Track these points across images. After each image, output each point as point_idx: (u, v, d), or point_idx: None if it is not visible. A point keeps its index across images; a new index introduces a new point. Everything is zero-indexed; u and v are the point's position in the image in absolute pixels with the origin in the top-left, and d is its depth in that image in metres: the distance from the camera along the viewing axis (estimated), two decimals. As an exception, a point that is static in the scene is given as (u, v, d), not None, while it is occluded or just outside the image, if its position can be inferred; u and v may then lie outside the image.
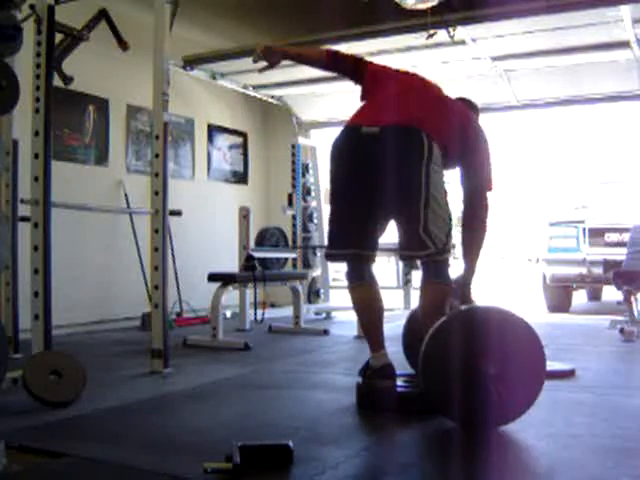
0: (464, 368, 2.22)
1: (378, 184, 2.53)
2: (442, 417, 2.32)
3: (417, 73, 2.85)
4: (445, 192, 2.59)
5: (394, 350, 2.75)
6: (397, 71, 2.83)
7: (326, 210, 7.09)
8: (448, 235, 2.55)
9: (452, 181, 2.74)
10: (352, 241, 2.63)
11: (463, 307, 2.55)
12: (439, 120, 2.60)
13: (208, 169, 6.95)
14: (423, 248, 2.49)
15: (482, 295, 2.66)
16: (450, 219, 2.59)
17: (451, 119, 2.66)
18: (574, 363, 3.36)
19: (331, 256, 2.72)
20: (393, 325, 3.35)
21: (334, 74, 2.98)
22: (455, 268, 2.66)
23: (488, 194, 2.68)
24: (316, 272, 7.04)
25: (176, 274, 5.85)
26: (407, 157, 2.50)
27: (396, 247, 2.78)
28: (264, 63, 2.87)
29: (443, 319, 2.38)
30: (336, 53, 2.86)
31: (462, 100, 2.92)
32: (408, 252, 2.66)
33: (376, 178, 2.53)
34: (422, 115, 2.57)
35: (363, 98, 2.79)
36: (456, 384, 2.22)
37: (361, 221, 2.61)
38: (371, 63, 2.86)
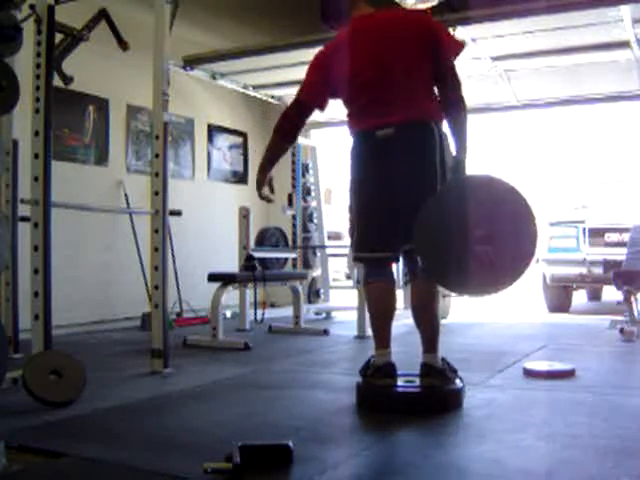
0: (457, 234, 2.28)
1: (399, 184, 2.58)
2: (453, 415, 2.31)
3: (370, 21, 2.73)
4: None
5: (394, 350, 2.75)
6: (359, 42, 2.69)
7: (326, 210, 7.10)
8: None
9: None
10: (383, 244, 2.65)
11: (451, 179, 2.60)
12: (429, 69, 2.62)
13: (208, 169, 6.95)
14: None
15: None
16: None
17: (429, 50, 2.62)
18: (574, 363, 3.35)
19: (360, 259, 2.76)
20: (393, 325, 3.35)
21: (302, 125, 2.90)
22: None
23: (457, 68, 2.66)
24: (316, 272, 7.04)
25: (176, 274, 5.85)
26: (423, 155, 2.57)
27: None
28: (267, 190, 2.92)
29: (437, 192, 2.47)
30: (280, 126, 2.80)
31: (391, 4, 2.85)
32: None
33: (398, 180, 2.58)
34: (423, 93, 2.62)
35: (337, 97, 2.77)
36: (449, 249, 2.29)
37: (390, 223, 2.62)
38: (301, 88, 2.78)
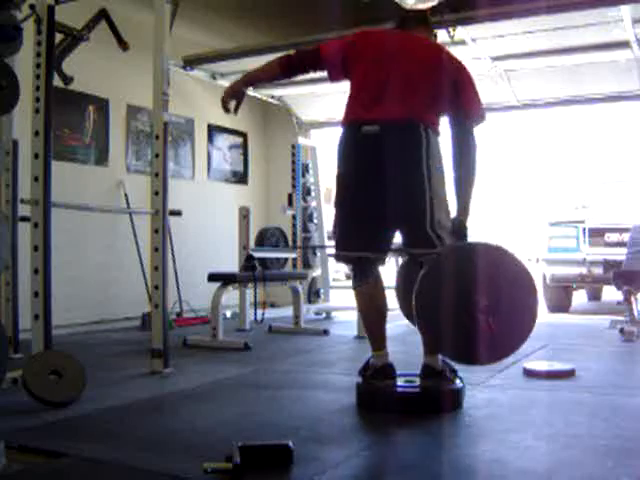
0: (457, 302, 2.23)
1: (383, 184, 2.53)
2: (453, 415, 2.32)
3: (393, 34, 2.79)
4: (445, 187, 2.60)
5: (395, 350, 2.76)
6: (374, 42, 2.74)
7: (326, 210, 7.09)
8: (448, 232, 2.57)
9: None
10: (362, 243, 2.62)
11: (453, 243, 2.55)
12: (434, 94, 2.59)
13: (208, 169, 6.95)
14: (430, 246, 2.49)
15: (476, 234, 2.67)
16: (449, 215, 2.60)
17: (443, 80, 2.61)
18: (574, 363, 3.35)
19: (340, 257, 2.73)
20: (393, 325, 3.35)
21: (295, 76, 2.90)
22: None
23: (476, 131, 2.66)
24: (316, 272, 7.04)
25: (176, 274, 5.85)
26: (409, 155, 2.51)
27: (397, 247, 2.79)
28: (232, 103, 2.82)
29: (434, 257, 2.40)
30: (289, 56, 2.79)
31: (420, 25, 2.84)
32: (417, 250, 2.60)
33: (381, 179, 2.53)
34: (420, 102, 2.57)
35: (336, 77, 2.77)
36: (449, 319, 2.24)
37: (370, 223, 2.60)
38: (330, 43, 2.80)
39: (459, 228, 2.58)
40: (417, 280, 2.34)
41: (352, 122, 2.63)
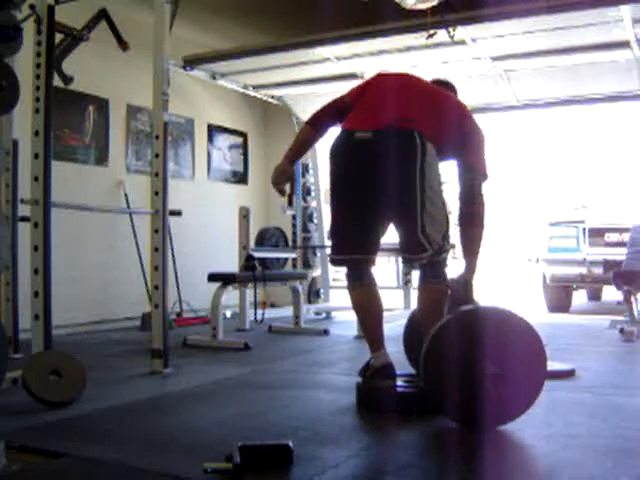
0: (465, 368, 2.22)
1: (375, 189, 2.55)
2: (443, 417, 2.32)
3: (407, 73, 2.85)
4: (441, 192, 2.61)
5: (394, 350, 2.76)
6: (383, 75, 2.83)
7: (326, 210, 7.10)
8: (445, 236, 2.58)
9: (449, 180, 2.73)
10: (355, 246, 2.65)
11: (464, 307, 2.55)
12: (433, 118, 2.60)
13: (208, 169, 6.95)
14: (422, 251, 2.51)
15: (483, 294, 2.66)
16: (447, 219, 2.60)
17: (447, 116, 2.65)
18: (574, 363, 3.36)
19: (335, 261, 2.74)
20: (393, 325, 3.35)
21: (327, 131, 2.90)
22: (454, 267, 2.66)
23: (484, 189, 2.67)
24: (316, 272, 7.04)
25: (176, 274, 5.85)
26: (401, 161, 2.51)
27: (396, 247, 2.79)
28: (285, 185, 2.83)
29: (445, 319, 2.39)
30: (315, 115, 2.80)
31: (440, 83, 2.91)
32: (408, 255, 2.64)
33: (373, 183, 2.55)
34: (415, 114, 2.58)
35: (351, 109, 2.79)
36: (457, 383, 2.22)
37: (362, 226, 2.62)
38: (349, 92, 2.82)
39: (464, 287, 2.61)
40: (425, 341, 2.34)
41: (345, 129, 2.66)
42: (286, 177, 2.80)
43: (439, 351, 2.29)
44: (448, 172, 2.74)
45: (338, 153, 2.66)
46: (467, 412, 2.23)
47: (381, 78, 2.81)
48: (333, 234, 2.72)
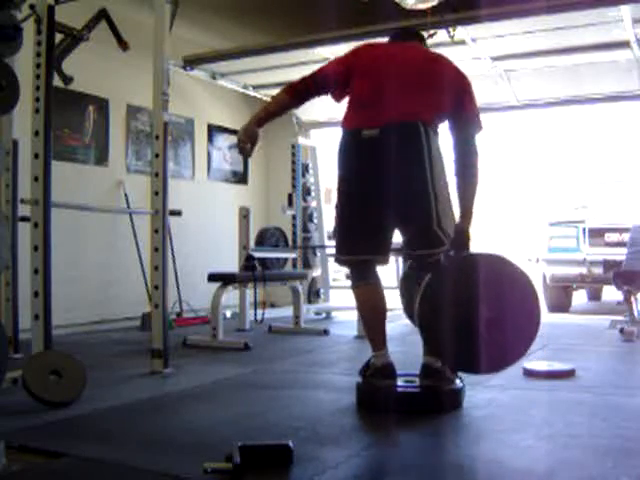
0: (459, 312, 2.24)
1: (385, 186, 2.54)
2: (453, 415, 2.32)
3: (395, 45, 2.80)
4: (447, 184, 2.61)
5: (395, 350, 2.76)
6: (373, 53, 2.77)
7: (326, 210, 7.10)
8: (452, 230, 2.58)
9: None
10: (365, 247, 2.63)
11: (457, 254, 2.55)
12: (433, 97, 2.60)
13: (208, 169, 6.95)
14: (439, 245, 2.50)
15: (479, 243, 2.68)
16: (453, 213, 2.61)
17: (445, 86, 2.63)
18: (574, 363, 3.36)
19: (341, 261, 2.73)
20: (393, 325, 3.35)
21: (305, 101, 2.88)
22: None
23: (477, 138, 2.67)
24: (316, 272, 7.04)
25: (176, 274, 5.85)
26: (410, 156, 2.52)
27: (398, 247, 2.78)
28: (248, 145, 2.78)
29: (439, 265, 2.42)
30: (293, 83, 2.80)
31: (407, 35, 2.86)
32: (425, 250, 2.57)
33: (382, 181, 2.54)
34: (417, 104, 2.57)
35: (342, 96, 2.78)
36: (452, 328, 2.25)
37: (372, 226, 2.61)
38: (331, 63, 2.81)
39: (461, 235, 2.59)
40: (420, 288, 2.35)
41: (351, 127, 2.65)
42: (250, 136, 2.75)
43: (433, 297, 2.30)
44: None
45: (346, 153, 2.66)
46: (463, 356, 2.25)
47: (370, 55, 2.74)
48: (341, 234, 2.69)
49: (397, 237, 2.71)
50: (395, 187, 2.53)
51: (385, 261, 2.73)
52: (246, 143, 2.75)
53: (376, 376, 2.59)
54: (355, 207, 2.63)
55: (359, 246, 2.64)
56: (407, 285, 2.86)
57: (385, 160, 2.52)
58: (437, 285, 2.33)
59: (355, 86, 2.69)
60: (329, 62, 2.83)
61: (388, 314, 2.74)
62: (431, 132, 2.55)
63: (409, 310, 2.78)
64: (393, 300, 3.07)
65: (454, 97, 2.63)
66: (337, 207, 2.70)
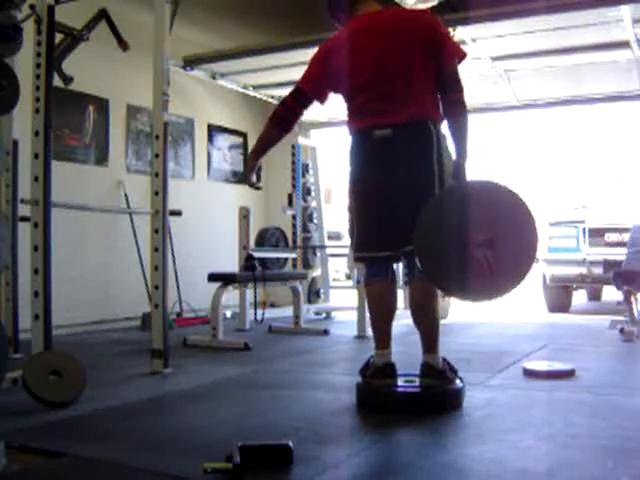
0: (456, 237, 2.28)
1: (398, 185, 2.57)
2: (454, 415, 2.32)
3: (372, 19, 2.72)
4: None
5: (394, 350, 2.75)
6: (360, 39, 2.68)
7: (326, 210, 7.10)
8: None
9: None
10: (384, 244, 2.64)
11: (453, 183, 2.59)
12: (427, 71, 2.59)
13: (208, 169, 6.95)
14: None
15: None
16: None
17: (430, 48, 2.60)
18: (574, 363, 3.35)
19: (363, 259, 2.74)
20: (393, 325, 3.34)
21: (296, 119, 2.93)
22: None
23: (460, 72, 2.66)
24: (316, 272, 7.04)
25: (176, 274, 5.85)
26: (419, 156, 2.56)
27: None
28: (253, 176, 2.91)
29: (435, 195, 2.47)
30: (275, 112, 2.85)
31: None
32: None
33: (395, 180, 2.57)
34: (426, 100, 2.60)
35: (327, 97, 2.78)
36: (448, 252, 2.29)
37: (389, 223, 2.62)
38: (301, 78, 2.78)
39: (458, 169, 2.60)
40: (418, 218, 2.38)
41: (362, 128, 2.65)
42: (251, 171, 2.89)
43: (430, 224, 2.34)
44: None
45: (359, 154, 2.67)
46: (460, 281, 2.27)
47: (351, 43, 2.66)
48: (360, 234, 2.69)
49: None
50: (405, 186, 2.56)
51: (399, 259, 2.74)
52: (250, 176, 2.90)
53: (376, 376, 2.59)
54: (372, 207, 2.64)
55: (380, 243, 2.65)
56: None
57: (397, 160, 2.56)
58: (434, 211, 2.37)
59: (350, 82, 2.67)
60: (304, 75, 2.78)
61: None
62: (440, 131, 2.59)
63: None
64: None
65: (434, 48, 2.61)
66: (352, 209, 2.72)
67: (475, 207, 2.34)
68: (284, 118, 2.84)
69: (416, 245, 2.39)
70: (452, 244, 2.31)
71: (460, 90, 2.63)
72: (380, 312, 2.72)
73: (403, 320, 2.99)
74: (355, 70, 2.64)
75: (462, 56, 2.69)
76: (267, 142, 2.90)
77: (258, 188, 2.97)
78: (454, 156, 2.63)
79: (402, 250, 2.66)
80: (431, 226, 2.35)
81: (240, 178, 2.96)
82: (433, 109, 2.62)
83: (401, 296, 6.46)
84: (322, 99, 2.79)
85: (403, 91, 2.59)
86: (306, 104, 2.80)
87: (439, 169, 2.57)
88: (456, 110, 2.63)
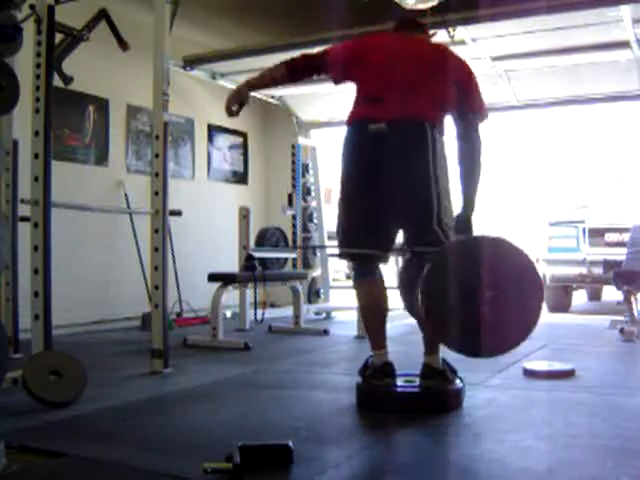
0: (462, 293, 2.25)
1: (389, 182, 2.54)
2: (453, 415, 2.32)
3: (399, 37, 2.79)
4: (449, 181, 2.61)
5: (394, 350, 2.75)
6: (379, 44, 2.76)
7: (326, 210, 7.10)
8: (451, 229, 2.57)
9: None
10: (369, 241, 2.62)
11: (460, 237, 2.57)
12: (439, 93, 2.59)
13: (208, 169, 6.95)
14: (438, 243, 2.50)
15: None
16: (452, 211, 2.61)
17: (449, 80, 2.62)
18: (574, 363, 3.36)
19: (345, 255, 2.72)
20: (393, 325, 3.35)
21: (301, 81, 2.94)
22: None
23: (481, 127, 2.67)
24: (316, 272, 7.04)
25: (176, 274, 5.85)
26: (416, 153, 2.52)
27: (397, 247, 2.78)
28: (235, 106, 2.83)
29: (442, 248, 2.43)
30: (293, 59, 2.81)
31: (410, 25, 2.85)
32: (424, 248, 2.57)
33: (387, 176, 2.53)
34: (423, 101, 2.57)
35: (340, 79, 2.79)
36: (454, 308, 2.26)
37: (377, 220, 2.60)
38: (334, 47, 2.81)
39: (464, 222, 2.58)
40: (424, 271, 2.35)
41: (357, 120, 2.63)
42: (239, 97, 2.82)
43: (436, 279, 2.31)
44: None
45: (352, 146, 2.64)
46: (465, 338, 2.26)
47: (376, 48, 2.73)
48: (344, 229, 2.67)
49: (397, 237, 2.71)
50: (399, 183, 2.53)
51: (386, 259, 2.73)
52: (233, 103, 2.82)
53: (375, 376, 2.59)
54: (360, 202, 2.61)
55: (363, 240, 2.62)
56: (406, 275, 2.86)
57: (391, 155, 2.52)
58: (440, 267, 2.33)
59: (361, 80, 2.69)
60: (334, 48, 2.81)
61: (388, 314, 2.73)
62: (437, 132, 2.55)
63: (408, 300, 2.79)
64: (393, 300, 3.06)
65: (459, 89, 2.63)
66: (341, 202, 2.69)
67: (482, 264, 2.30)
68: (298, 68, 2.81)
69: (422, 299, 2.37)
70: (459, 301, 2.27)
71: (479, 145, 2.64)
72: (371, 313, 2.71)
73: (403, 320, 3.00)
74: (372, 66, 2.65)
75: (484, 115, 2.69)
76: (269, 80, 2.88)
77: (232, 115, 2.86)
78: (460, 199, 2.62)
79: (387, 250, 2.66)
80: (437, 281, 2.31)
81: (226, 103, 2.85)
82: (433, 113, 2.57)
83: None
84: (337, 78, 2.81)
85: (404, 92, 2.58)
86: (320, 71, 2.80)
87: (434, 171, 2.50)
88: (471, 161, 2.63)
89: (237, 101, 2.81)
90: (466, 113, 2.65)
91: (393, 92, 2.59)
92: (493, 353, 2.27)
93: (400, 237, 2.72)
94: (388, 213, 2.59)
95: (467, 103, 2.65)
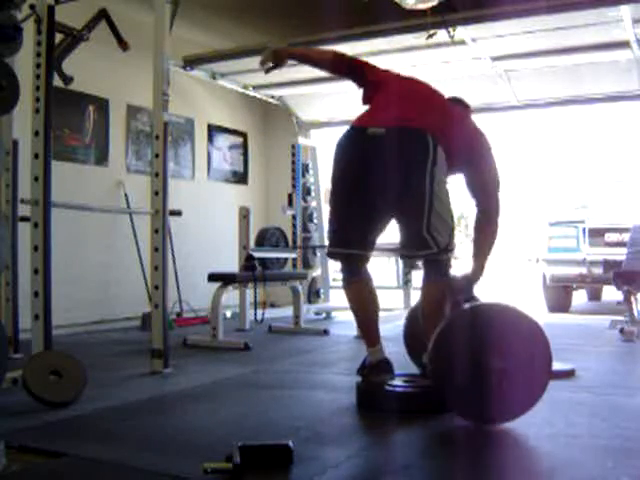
0: (471, 364, 2.24)
1: (382, 185, 2.53)
2: (449, 415, 2.32)
3: (423, 81, 2.85)
4: (448, 192, 2.60)
5: (394, 350, 2.76)
6: (401, 76, 2.84)
7: (326, 210, 7.10)
8: (451, 235, 2.56)
9: (454, 181, 2.74)
10: (354, 241, 2.63)
11: (468, 304, 2.56)
12: (443, 126, 2.59)
13: (208, 169, 6.95)
14: (424, 248, 2.50)
15: (485, 293, 2.70)
16: (453, 219, 2.60)
17: (456, 130, 2.65)
18: (574, 363, 3.36)
19: (332, 254, 2.73)
20: (393, 325, 3.35)
21: (334, 75, 2.99)
22: (455, 268, 2.66)
23: (499, 198, 2.71)
24: (316, 272, 7.04)
25: (176, 274, 5.85)
26: (413, 159, 2.51)
27: (396, 247, 2.78)
28: (269, 64, 2.92)
29: (450, 316, 2.42)
30: (342, 56, 2.87)
31: (455, 101, 2.90)
32: (409, 251, 2.66)
33: (380, 179, 2.53)
34: (428, 118, 2.57)
35: (366, 101, 2.79)
36: (464, 379, 2.24)
37: (364, 222, 2.61)
38: (375, 68, 2.85)
39: (468, 288, 2.63)
40: (433, 337, 2.36)
41: (357, 125, 2.64)
42: (275, 58, 2.90)
43: (445, 349, 2.30)
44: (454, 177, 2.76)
45: (347, 147, 2.64)
46: (474, 408, 2.25)
47: (398, 81, 2.81)
48: (333, 228, 2.68)
49: (395, 238, 2.72)
50: (391, 187, 2.52)
51: (369, 258, 2.73)
52: (269, 60, 2.91)
53: (372, 372, 2.59)
54: (348, 202, 2.61)
55: (348, 241, 2.63)
56: (409, 320, 2.92)
57: (386, 160, 2.50)
58: (449, 334, 2.33)
59: (374, 99, 2.73)
60: (374, 67, 2.87)
61: (386, 314, 2.74)
62: (438, 145, 2.51)
63: (411, 347, 2.86)
64: (392, 300, 3.06)
65: (465, 150, 2.65)
66: (332, 200, 2.69)
67: (492, 333, 2.29)
68: (343, 66, 2.86)
69: (430, 367, 2.38)
70: (467, 370, 2.26)
71: (497, 211, 2.68)
72: (362, 312, 2.71)
73: (402, 320, 3.00)
74: (386, 94, 2.71)
75: (495, 178, 2.71)
76: (312, 58, 2.97)
77: (268, 70, 2.95)
78: (471, 264, 2.66)
79: (370, 251, 2.67)
80: (444, 351, 2.31)
81: (263, 53, 2.89)
82: (436, 129, 2.55)
83: (401, 296, 6.48)
84: (364, 99, 2.82)
85: (413, 107, 2.63)
86: (356, 78, 2.84)
87: (431, 180, 2.47)
88: (487, 232, 2.69)
89: (272, 60, 2.90)
90: (483, 185, 2.70)
91: (401, 107, 2.61)
92: (499, 422, 2.28)
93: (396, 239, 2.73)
94: (378, 214, 2.61)
95: (481, 174, 2.69)
